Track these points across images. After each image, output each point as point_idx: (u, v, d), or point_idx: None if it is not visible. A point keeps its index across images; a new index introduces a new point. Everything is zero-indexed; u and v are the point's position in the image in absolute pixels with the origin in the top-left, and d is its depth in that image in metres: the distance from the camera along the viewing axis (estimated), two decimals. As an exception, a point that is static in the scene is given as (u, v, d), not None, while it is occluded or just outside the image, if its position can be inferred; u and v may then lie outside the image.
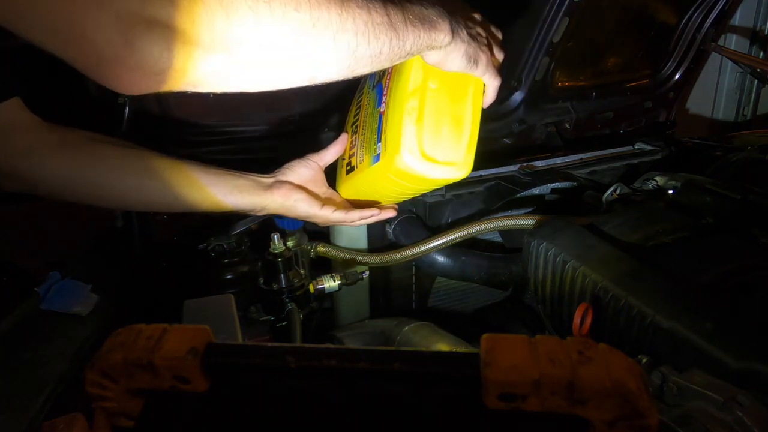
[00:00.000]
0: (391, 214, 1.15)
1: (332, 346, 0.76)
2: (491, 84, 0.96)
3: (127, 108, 1.22)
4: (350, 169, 1.11)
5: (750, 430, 0.67)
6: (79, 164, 0.91)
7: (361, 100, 1.14)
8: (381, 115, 1.00)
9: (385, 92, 1.01)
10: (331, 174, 1.24)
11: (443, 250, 1.30)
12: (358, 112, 1.14)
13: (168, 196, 0.97)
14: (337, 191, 1.24)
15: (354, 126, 1.14)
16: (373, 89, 1.08)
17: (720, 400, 0.70)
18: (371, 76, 1.12)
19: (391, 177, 0.99)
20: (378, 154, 0.98)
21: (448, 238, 1.27)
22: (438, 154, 0.94)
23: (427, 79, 0.93)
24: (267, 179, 1.07)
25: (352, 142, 1.14)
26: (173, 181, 0.97)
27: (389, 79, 1.01)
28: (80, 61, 0.59)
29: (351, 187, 1.14)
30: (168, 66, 0.60)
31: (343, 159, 1.16)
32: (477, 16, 0.92)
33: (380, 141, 0.98)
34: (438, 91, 0.94)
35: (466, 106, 0.97)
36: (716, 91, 3.28)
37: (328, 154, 1.15)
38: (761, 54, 3.10)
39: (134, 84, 0.62)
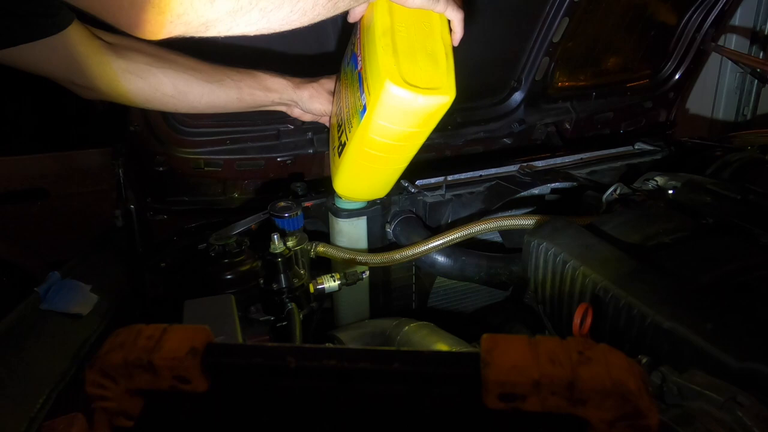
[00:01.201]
0: None
1: (332, 346, 0.76)
2: (455, 17, 1.02)
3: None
4: (342, 148, 1.14)
5: (750, 430, 0.67)
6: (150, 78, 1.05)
7: (340, 87, 1.19)
8: (360, 73, 1.03)
9: (359, 54, 1.04)
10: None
11: (443, 250, 1.30)
12: (339, 98, 1.18)
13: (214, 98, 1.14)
14: (333, 188, 1.27)
15: (338, 111, 1.18)
16: (348, 65, 1.12)
17: (720, 400, 0.70)
18: (346, 57, 1.16)
19: (383, 124, 1.00)
20: (364, 106, 1.00)
21: (448, 238, 1.27)
22: (420, 81, 0.94)
23: (394, 20, 0.97)
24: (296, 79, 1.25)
25: (338, 125, 1.17)
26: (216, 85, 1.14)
27: (360, 43, 1.05)
28: (104, 8, 0.64)
29: (347, 165, 1.15)
30: (188, 6, 0.68)
31: (334, 146, 1.18)
32: None
33: (363, 92, 1.01)
34: (407, 30, 0.98)
35: (436, 38, 1.00)
36: (716, 91, 3.28)
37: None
38: (761, 54, 3.10)
39: (157, 26, 0.69)
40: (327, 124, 1.32)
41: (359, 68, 1.03)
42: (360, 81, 1.01)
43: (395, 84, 0.92)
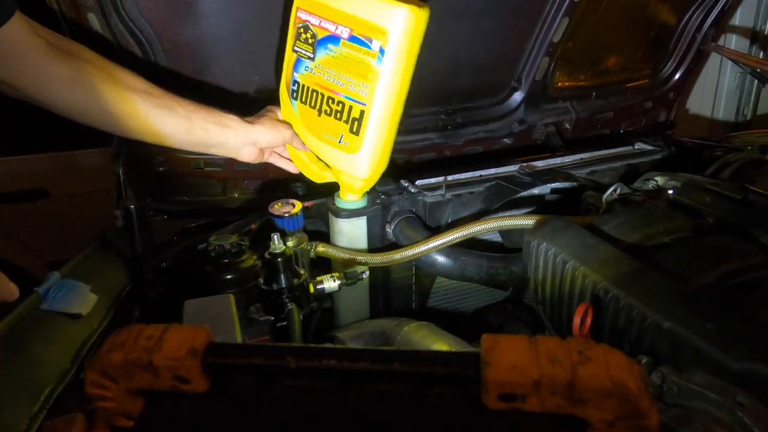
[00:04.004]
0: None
1: (332, 346, 0.76)
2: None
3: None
4: (358, 123, 1.15)
5: (750, 430, 0.67)
6: (85, 91, 0.98)
7: (308, 89, 1.19)
8: (352, 37, 1.09)
9: (335, 28, 1.11)
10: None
11: (443, 250, 1.30)
12: (317, 93, 1.18)
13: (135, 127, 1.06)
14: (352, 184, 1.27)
15: (328, 99, 1.17)
16: (315, 55, 1.15)
17: (720, 400, 0.70)
18: (297, 65, 1.19)
19: (403, 53, 1.08)
20: (380, 49, 1.07)
21: (448, 238, 1.27)
22: (409, 2, 1.05)
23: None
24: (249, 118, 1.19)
25: (334, 112, 1.17)
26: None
27: (327, 23, 1.12)
28: None
29: (376, 132, 1.16)
30: None
31: (339, 135, 1.18)
32: None
33: (371, 42, 1.07)
34: None
35: None
36: (716, 91, 3.29)
37: None
38: (761, 54, 3.10)
39: None
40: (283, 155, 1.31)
41: (348, 35, 1.09)
42: (358, 41, 1.08)
43: (409, 8, 1.04)
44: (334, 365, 0.43)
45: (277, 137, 1.20)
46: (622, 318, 0.92)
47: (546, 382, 0.39)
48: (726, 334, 0.79)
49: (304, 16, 1.14)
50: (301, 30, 1.15)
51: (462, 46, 1.49)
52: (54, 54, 0.95)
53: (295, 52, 1.18)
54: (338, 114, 1.16)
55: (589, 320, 0.93)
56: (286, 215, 1.21)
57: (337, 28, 1.10)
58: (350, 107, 1.14)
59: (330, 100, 1.16)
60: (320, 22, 1.12)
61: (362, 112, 1.13)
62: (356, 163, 1.20)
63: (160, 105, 1.05)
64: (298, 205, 1.24)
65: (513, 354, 0.40)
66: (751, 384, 0.72)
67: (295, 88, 1.21)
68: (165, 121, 1.06)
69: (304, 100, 1.20)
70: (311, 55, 1.16)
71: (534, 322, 1.39)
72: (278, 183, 1.50)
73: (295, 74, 1.20)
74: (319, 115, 1.19)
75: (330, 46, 1.12)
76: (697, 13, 1.75)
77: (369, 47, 1.08)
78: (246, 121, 1.16)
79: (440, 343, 1.14)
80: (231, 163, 1.42)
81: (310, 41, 1.15)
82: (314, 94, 1.18)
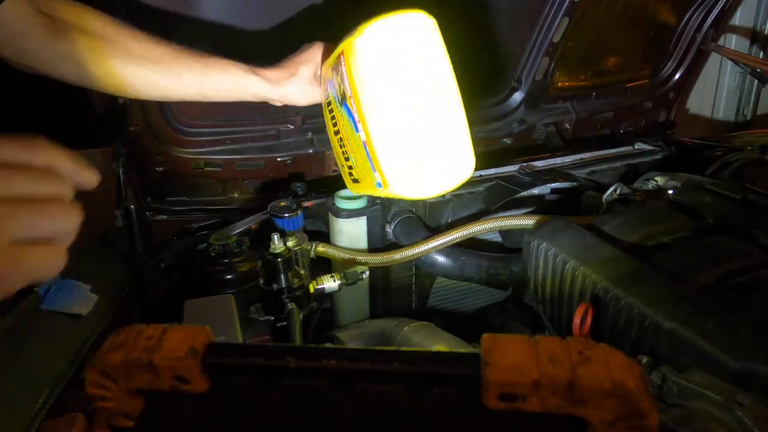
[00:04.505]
0: None
1: (332, 346, 0.76)
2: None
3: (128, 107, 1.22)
4: (356, 182, 1.11)
5: (750, 430, 0.67)
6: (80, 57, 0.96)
7: (332, 111, 1.09)
8: (365, 145, 0.95)
9: (356, 118, 0.95)
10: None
11: (443, 250, 1.30)
12: (336, 123, 1.09)
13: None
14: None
15: (339, 138, 1.10)
16: (341, 106, 1.01)
17: (720, 400, 0.70)
18: (330, 84, 1.07)
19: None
20: (379, 183, 0.97)
21: (448, 238, 1.27)
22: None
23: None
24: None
25: (343, 152, 1.11)
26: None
27: (353, 103, 0.94)
28: None
29: (367, 191, 1.14)
30: None
31: (342, 164, 1.15)
32: None
33: (376, 172, 0.95)
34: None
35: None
36: (716, 91, 3.28)
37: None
38: (761, 54, 3.10)
39: None
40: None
41: (363, 139, 0.95)
42: (368, 155, 0.95)
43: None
44: (334, 365, 0.43)
45: (304, 101, 1.16)
46: (622, 318, 0.92)
47: (546, 382, 0.39)
48: (726, 334, 0.79)
49: (342, 68, 0.95)
50: (336, 73, 1.00)
51: (462, 46, 1.49)
52: (54, 31, 0.94)
53: (331, 76, 1.04)
54: (344, 156, 1.10)
55: (589, 320, 0.93)
56: (286, 215, 1.21)
57: (358, 121, 0.94)
58: (351, 166, 1.08)
59: (341, 142, 1.09)
60: (350, 95, 0.94)
61: (358, 180, 1.09)
62: (353, 188, 1.19)
63: (167, 72, 1.04)
64: (298, 205, 1.24)
65: (513, 354, 0.40)
66: (751, 384, 0.72)
67: (325, 95, 1.12)
68: (173, 87, 1.06)
69: (328, 111, 1.12)
70: (338, 99, 1.02)
71: (534, 322, 1.39)
72: (278, 183, 1.50)
73: (328, 86, 1.09)
74: (335, 135, 1.12)
75: (350, 120, 0.98)
76: (697, 13, 1.75)
77: (373, 170, 0.96)
78: (269, 81, 1.11)
79: (440, 343, 1.14)
80: (231, 163, 1.42)
81: (339, 89, 1.00)
82: (333, 120, 1.10)
